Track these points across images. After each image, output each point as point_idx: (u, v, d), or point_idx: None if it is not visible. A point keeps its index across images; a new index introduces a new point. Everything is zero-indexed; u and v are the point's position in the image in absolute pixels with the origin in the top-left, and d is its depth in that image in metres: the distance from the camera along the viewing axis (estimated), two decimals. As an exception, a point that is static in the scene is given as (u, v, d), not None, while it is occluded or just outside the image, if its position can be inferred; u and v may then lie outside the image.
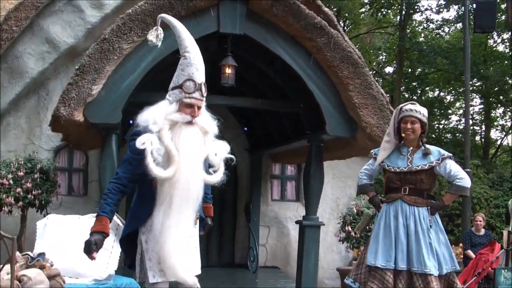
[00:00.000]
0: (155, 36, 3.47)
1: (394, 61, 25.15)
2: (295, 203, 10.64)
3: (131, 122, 8.71)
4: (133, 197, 3.52)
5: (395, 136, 4.74)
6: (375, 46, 23.44)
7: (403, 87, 24.44)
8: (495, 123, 25.97)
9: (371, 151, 4.94)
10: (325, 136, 6.77)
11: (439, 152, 4.71)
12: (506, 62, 20.32)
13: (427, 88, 26.66)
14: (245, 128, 10.11)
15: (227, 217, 10.18)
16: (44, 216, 7.16)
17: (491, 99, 23.78)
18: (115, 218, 4.83)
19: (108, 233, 3.22)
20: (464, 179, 4.60)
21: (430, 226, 4.57)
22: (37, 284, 3.90)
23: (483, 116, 25.70)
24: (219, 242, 10.14)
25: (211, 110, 3.51)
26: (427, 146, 4.72)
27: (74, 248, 4.63)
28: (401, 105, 4.80)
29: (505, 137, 26.86)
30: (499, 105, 24.51)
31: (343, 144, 7.18)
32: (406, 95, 25.54)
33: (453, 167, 4.65)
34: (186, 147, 3.26)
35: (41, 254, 4.23)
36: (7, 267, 3.68)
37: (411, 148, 4.71)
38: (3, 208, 7.02)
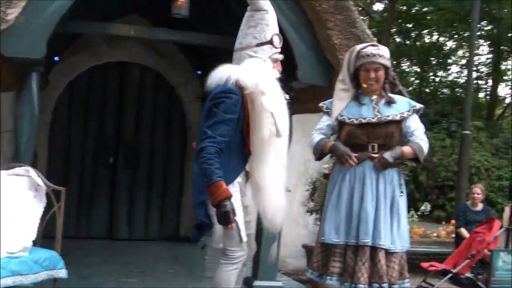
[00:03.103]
0: None
1: (386, -4, 25.20)
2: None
3: (56, 59, 8.64)
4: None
5: (351, 83, 4.66)
6: (363, -24, 23.52)
7: (394, 29, 24.54)
8: (505, 78, 26.14)
9: (321, 104, 4.82)
10: (296, 84, 6.78)
11: (409, 102, 4.70)
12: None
13: (424, 32, 26.81)
14: (199, 72, 9.97)
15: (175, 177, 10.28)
16: None
17: (502, 47, 23.93)
18: (34, 175, 4.90)
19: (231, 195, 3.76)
20: (427, 144, 4.64)
21: (401, 193, 4.56)
22: None
23: (490, 68, 25.93)
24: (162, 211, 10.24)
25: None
26: (390, 94, 4.68)
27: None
28: (358, 47, 4.66)
29: (516, 95, 27.09)
30: (510, 55, 24.70)
31: (316, 94, 7.19)
32: (398, 39, 25.72)
33: (419, 123, 4.67)
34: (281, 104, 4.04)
35: None
36: None
37: (374, 97, 4.62)
38: None
